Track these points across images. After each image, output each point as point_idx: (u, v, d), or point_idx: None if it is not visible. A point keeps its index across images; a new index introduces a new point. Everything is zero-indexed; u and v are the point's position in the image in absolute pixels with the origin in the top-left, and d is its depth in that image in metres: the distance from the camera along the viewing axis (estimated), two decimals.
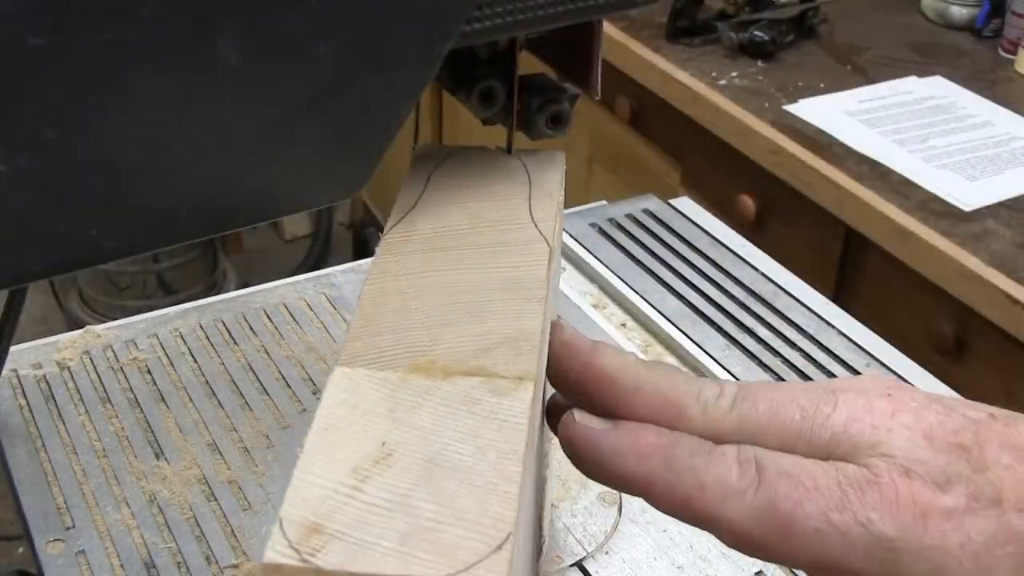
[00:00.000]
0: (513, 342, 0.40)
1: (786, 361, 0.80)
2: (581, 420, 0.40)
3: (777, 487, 0.37)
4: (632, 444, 0.39)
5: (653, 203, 1.00)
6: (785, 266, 0.92)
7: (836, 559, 0.37)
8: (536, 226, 0.47)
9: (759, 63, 1.46)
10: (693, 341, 0.82)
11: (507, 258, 0.45)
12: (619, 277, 0.89)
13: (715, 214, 1.00)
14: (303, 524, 0.33)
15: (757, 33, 1.45)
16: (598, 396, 0.41)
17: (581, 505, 0.67)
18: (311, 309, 0.84)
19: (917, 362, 0.81)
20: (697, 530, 0.39)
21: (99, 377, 0.77)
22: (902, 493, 0.37)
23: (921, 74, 1.44)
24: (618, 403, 0.40)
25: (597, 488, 0.67)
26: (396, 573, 0.31)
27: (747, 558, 0.39)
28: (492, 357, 0.40)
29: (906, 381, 0.78)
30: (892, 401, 0.39)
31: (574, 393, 0.41)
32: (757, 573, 0.63)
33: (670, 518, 0.39)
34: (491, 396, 0.38)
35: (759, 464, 0.38)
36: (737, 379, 0.78)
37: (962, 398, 0.41)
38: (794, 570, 0.63)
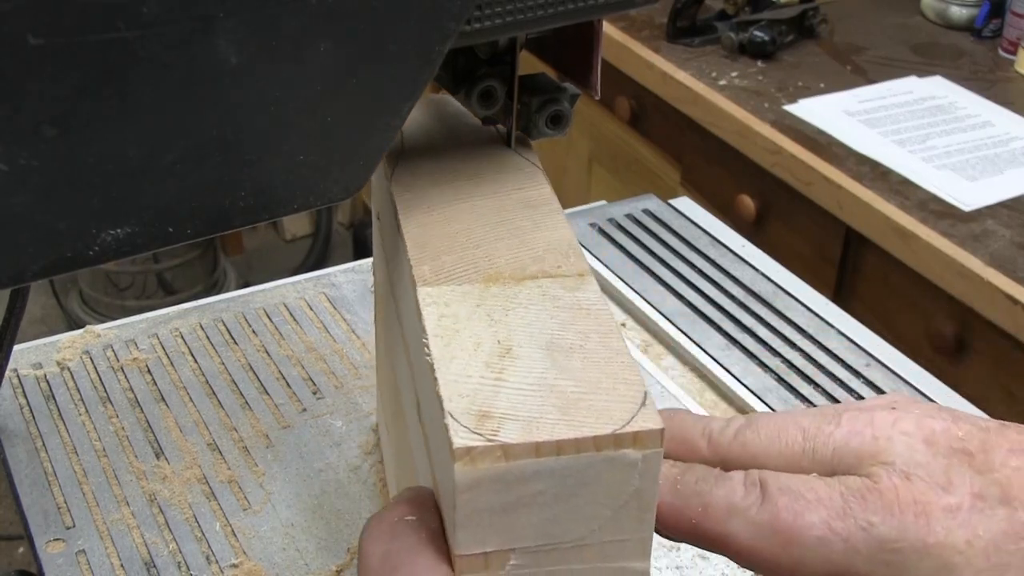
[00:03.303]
0: (557, 249, 0.45)
1: (786, 361, 0.80)
2: None
3: (778, 502, 0.38)
4: None
5: (653, 203, 1.00)
6: (785, 266, 0.92)
7: (842, 566, 0.37)
8: (519, 154, 0.52)
9: (759, 63, 1.46)
10: (693, 341, 0.82)
11: (510, 182, 0.50)
12: (619, 277, 0.89)
13: (715, 214, 1.00)
14: (471, 413, 0.36)
15: (757, 33, 1.45)
16: None
17: None
18: (311, 309, 0.84)
19: (917, 362, 0.81)
20: None
21: (99, 377, 0.77)
22: (902, 495, 0.37)
23: (921, 74, 1.44)
24: None
25: None
26: (573, 436, 0.35)
27: None
28: (547, 263, 0.45)
29: (905, 381, 0.78)
30: (894, 412, 0.40)
31: None
32: None
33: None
34: (565, 292, 0.43)
35: (763, 483, 0.39)
36: (737, 379, 0.78)
37: (984, 415, 0.42)
38: None
